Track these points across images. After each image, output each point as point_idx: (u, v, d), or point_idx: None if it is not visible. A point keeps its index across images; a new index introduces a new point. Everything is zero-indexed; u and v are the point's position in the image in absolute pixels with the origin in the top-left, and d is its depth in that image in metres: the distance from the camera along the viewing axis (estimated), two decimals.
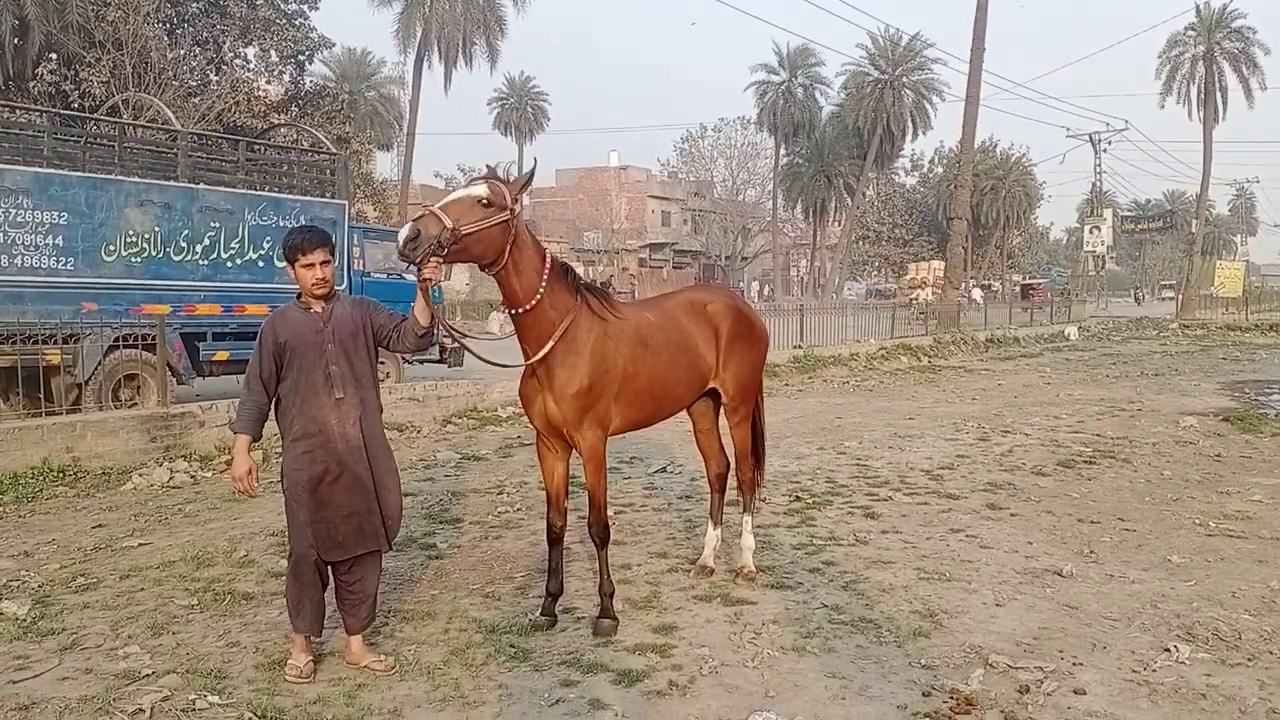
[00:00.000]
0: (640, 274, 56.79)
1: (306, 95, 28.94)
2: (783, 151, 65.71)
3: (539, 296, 4.77)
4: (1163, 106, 53.49)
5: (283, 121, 24.41)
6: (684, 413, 5.98)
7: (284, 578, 4.76)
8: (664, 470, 9.35)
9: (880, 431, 11.82)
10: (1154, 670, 4.51)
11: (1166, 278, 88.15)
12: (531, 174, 4.90)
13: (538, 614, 5.15)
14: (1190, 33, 52.43)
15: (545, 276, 4.80)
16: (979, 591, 5.67)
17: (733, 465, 6.21)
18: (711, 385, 5.80)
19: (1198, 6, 51.60)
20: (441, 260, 4.41)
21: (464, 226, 4.43)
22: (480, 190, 4.57)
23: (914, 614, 5.25)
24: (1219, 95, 51.66)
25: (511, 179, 4.83)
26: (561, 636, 4.97)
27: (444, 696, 4.25)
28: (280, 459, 4.87)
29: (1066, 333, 32.04)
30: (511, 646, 4.79)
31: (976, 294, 50.06)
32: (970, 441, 11.08)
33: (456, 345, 15.57)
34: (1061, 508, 7.79)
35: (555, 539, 5.19)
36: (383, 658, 4.62)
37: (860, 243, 73.28)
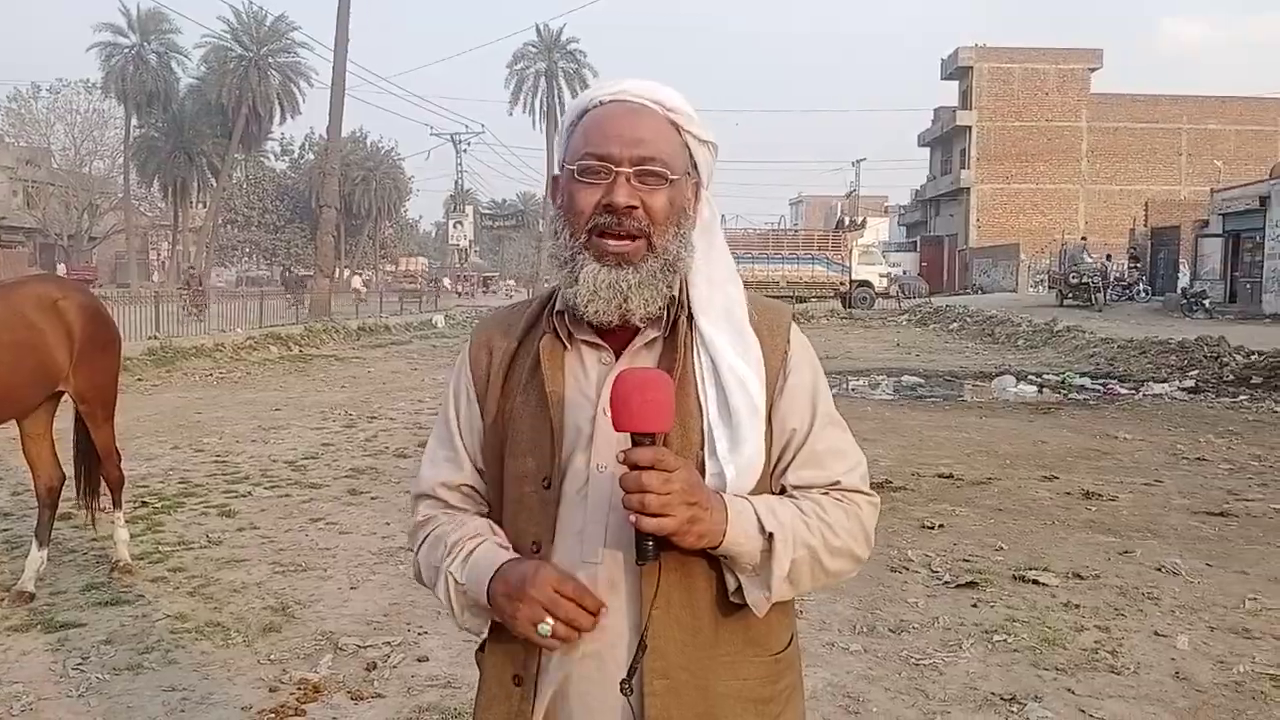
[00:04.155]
0: None
1: None
2: (135, 123, 59.96)
3: None
4: (511, 114, 59.31)
5: None
6: None
7: None
8: None
9: (244, 425, 11.39)
10: None
11: (523, 270, 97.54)
12: None
13: None
14: (532, 49, 58.75)
15: None
16: (334, 577, 5.73)
17: (95, 470, 5.78)
18: (60, 389, 5.24)
19: (538, 26, 58.08)
20: None
21: None
22: None
23: (265, 609, 5.13)
24: (559, 108, 58.69)
25: None
26: None
27: None
28: None
29: (434, 321, 33.91)
30: None
31: (357, 282, 50.88)
32: (337, 429, 11.17)
33: None
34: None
35: None
36: None
37: (229, 227, 69.87)
